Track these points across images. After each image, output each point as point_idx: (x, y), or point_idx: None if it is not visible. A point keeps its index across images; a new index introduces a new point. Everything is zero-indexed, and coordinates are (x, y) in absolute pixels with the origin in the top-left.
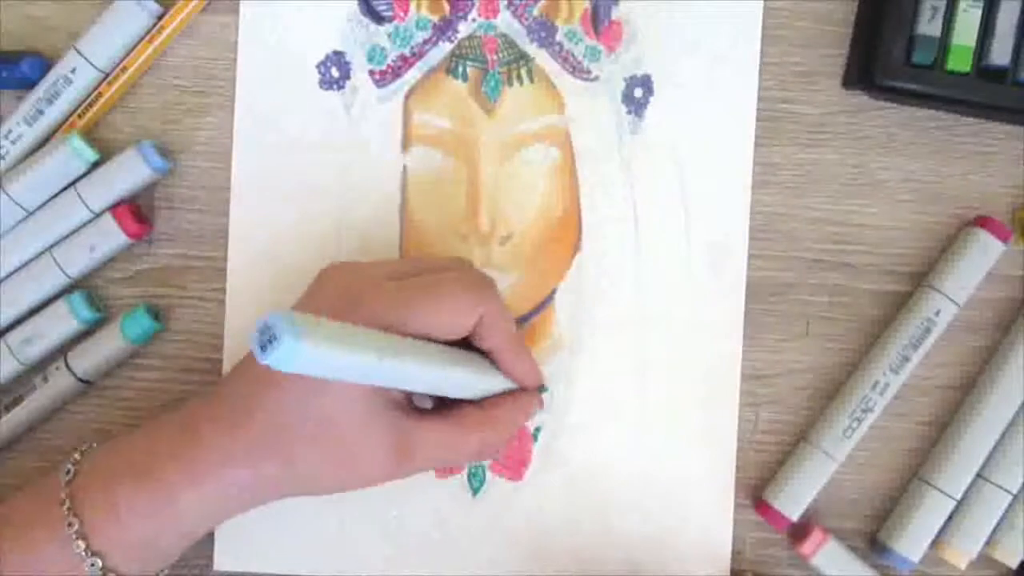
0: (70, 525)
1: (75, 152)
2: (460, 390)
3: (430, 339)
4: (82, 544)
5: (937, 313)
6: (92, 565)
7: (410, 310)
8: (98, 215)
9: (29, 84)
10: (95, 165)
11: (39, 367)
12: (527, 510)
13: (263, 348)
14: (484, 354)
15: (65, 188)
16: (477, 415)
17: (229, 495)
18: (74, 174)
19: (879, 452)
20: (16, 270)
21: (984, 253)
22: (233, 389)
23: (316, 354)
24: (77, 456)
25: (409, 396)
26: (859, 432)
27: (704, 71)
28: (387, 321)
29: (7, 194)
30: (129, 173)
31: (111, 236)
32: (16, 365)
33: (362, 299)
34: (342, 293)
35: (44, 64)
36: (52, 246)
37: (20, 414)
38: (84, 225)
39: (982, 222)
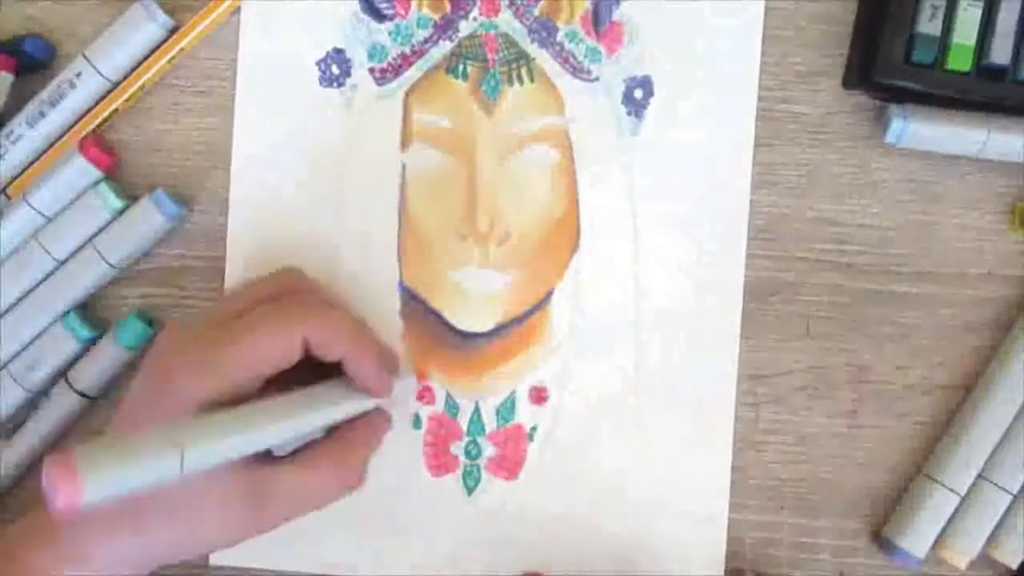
0: None
1: (101, 199)
2: (298, 432)
3: (265, 376)
4: None
5: None
6: None
7: (224, 355)
8: (113, 265)
9: (39, 67)
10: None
11: (45, 391)
12: (522, 509)
13: (52, 498)
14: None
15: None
16: (330, 452)
17: (103, 569)
18: (100, 222)
19: (879, 452)
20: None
21: None
22: None
23: (106, 485)
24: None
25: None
26: None
27: (704, 72)
28: (203, 376)
29: (39, 242)
30: (145, 224)
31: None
32: (22, 393)
33: (172, 375)
34: (153, 378)
35: (47, 44)
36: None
37: (28, 439)
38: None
39: None
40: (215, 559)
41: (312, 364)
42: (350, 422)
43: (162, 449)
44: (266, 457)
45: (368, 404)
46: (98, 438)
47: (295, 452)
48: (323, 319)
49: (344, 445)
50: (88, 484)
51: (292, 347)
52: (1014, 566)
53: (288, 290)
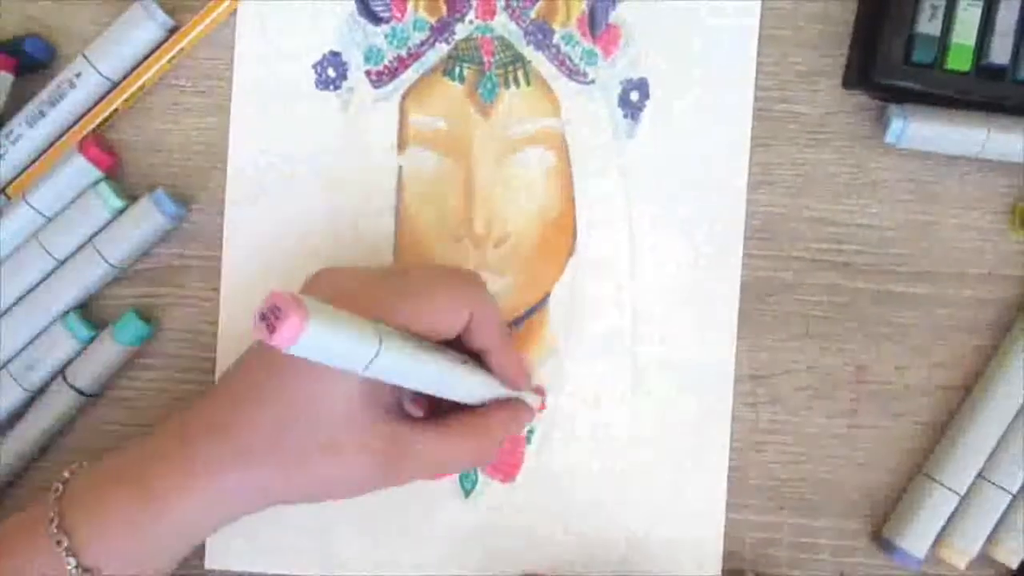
0: (59, 543)
1: (100, 199)
2: (454, 390)
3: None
4: (73, 560)
5: None
6: None
7: (401, 307)
8: (114, 265)
9: (38, 67)
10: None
11: (44, 390)
12: (519, 511)
13: (269, 326)
14: (475, 358)
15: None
16: (470, 423)
17: (221, 503)
18: (99, 222)
19: (879, 452)
20: (18, 300)
21: None
22: (223, 396)
23: (321, 335)
24: (66, 475)
25: (399, 404)
26: None
27: (700, 75)
28: (379, 316)
29: (39, 242)
30: (145, 224)
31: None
32: (22, 392)
33: (356, 296)
34: (335, 291)
35: (46, 44)
36: (50, 273)
37: (25, 435)
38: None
39: None
40: (213, 562)
41: None
42: (492, 403)
43: (367, 333)
44: (404, 415)
45: (511, 393)
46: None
47: (429, 417)
48: (490, 306)
49: (485, 420)
50: (312, 326)
51: (460, 318)
52: (1014, 566)
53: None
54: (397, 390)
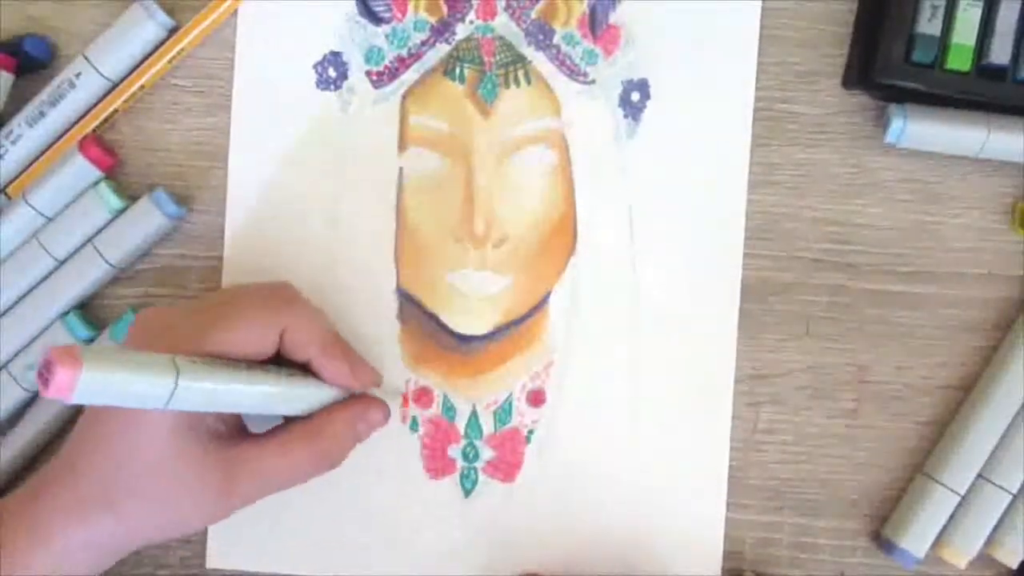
0: None
1: (101, 199)
2: (282, 406)
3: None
4: None
5: None
6: None
7: (209, 336)
8: (113, 265)
9: (38, 66)
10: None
11: None
12: (520, 511)
13: (43, 380)
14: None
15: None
16: (310, 429)
17: (75, 554)
18: (99, 222)
19: (879, 452)
20: (18, 300)
21: None
22: (68, 449)
23: (99, 381)
24: None
25: (233, 426)
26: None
27: (701, 75)
28: (182, 342)
29: (39, 242)
30: (145, 224)
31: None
32: (22, 393)
33: (172, 331)
34: (153, 330)
35: (46, 44)
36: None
37: (24, 435)
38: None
39: None
40: (213, 562)
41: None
42: (334, 405)
43: (161, 368)
44: (241, 434)
45: (347, 392)
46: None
47: (270, 432)
48: (303, 318)
49: (321, 426)
50: (87, 374)
51: (270, 338)
52: (1014, 566)
53: (284, 292)
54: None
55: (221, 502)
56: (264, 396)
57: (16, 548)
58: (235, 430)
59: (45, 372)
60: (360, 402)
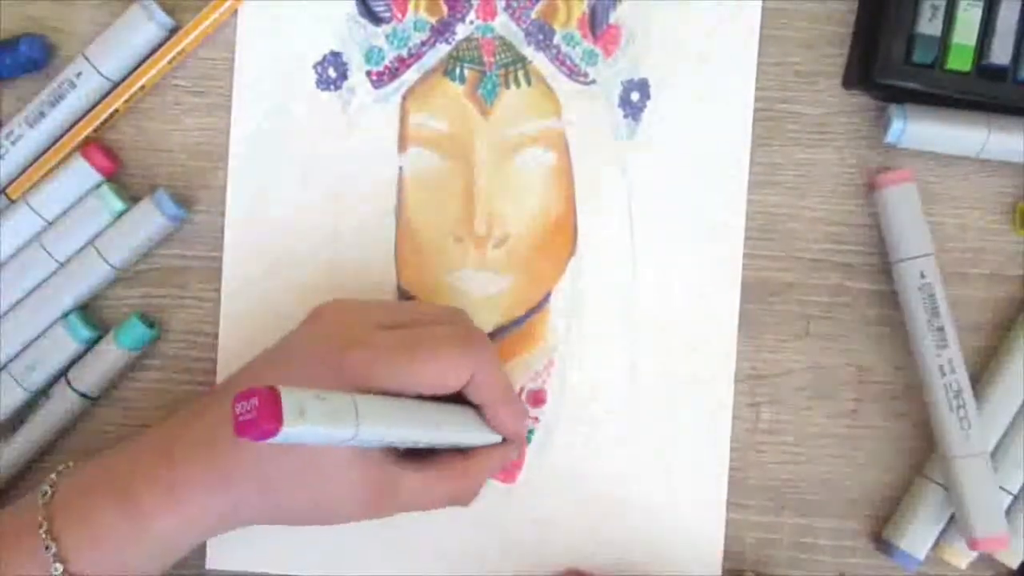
0: (47, 548)
1: (102, 202)
2: (439, 443)
3: (414, 394)
4: (60, 567)
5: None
6: None
7: (399, 366)
8: (115, 267)
9: (35, 67)
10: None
11: (44, 391)
12: (520, 512)
13: (241, 423)
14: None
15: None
16: (459, 466)
17: (207, 520)
18: (101, 224)
19: (879, 452)
20: (19, 301)
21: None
22: (213, 412)
23: (294, 435)
24: (54, 476)
25: None
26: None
27: (701, 75)
28: (375, 373)
29: (41, 244)
30: (146, 225)
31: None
32: (22, 393)
33: (354, 345)
34: (335, 333)
35: (44, 44)
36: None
37: (27, 439)
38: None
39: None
40: (214, 563)
41: None
42: (481, 448)
43: (347, 415)
44: (393, 453)
45: (498, 439)
46: (286, 387)
47: (416, 452)
48: (492, 365)
49: (471, 465)
50: (287, 423)
51: (460, 379)
52: (1014, 566)
53: (456, 322)
54: None
55: (367, 511)
56: (429, 437)
57: (156, 507)
58: (390, 450)
59: (245, 413)
60: (508, 448)
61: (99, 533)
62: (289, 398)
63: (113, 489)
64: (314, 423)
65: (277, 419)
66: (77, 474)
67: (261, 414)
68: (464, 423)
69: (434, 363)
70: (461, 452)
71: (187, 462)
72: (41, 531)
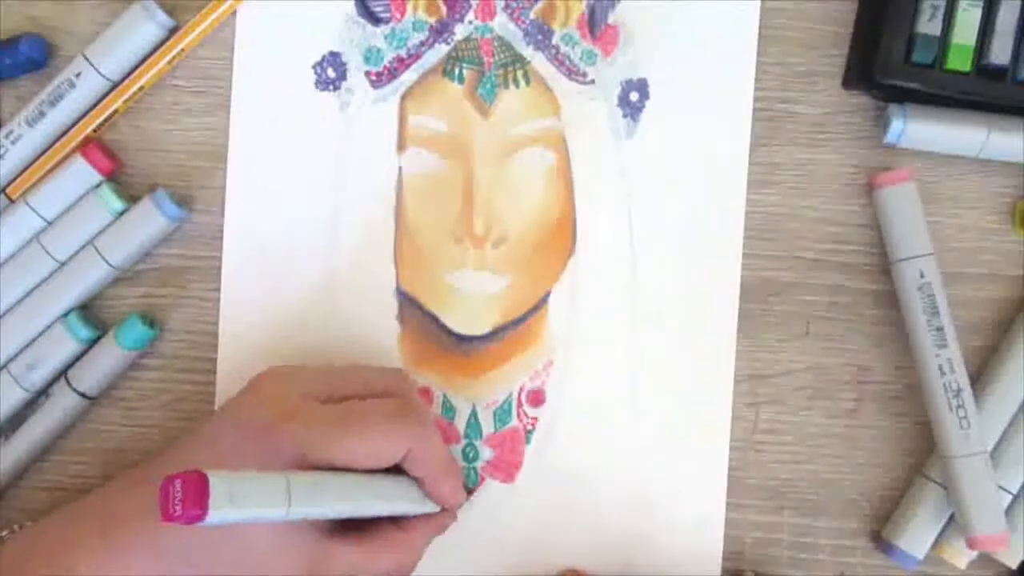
0: None
1: (102, 201)
2: (374, 513)
3: (350, 468)
4: None
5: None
6: None
7: (332, 442)
8: (114, 266)
9: (34, 67)
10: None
11: (44, 391)
12: (519, 512)
13: (168, 508)
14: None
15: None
16: (395, 538)
17: None
18: (101, 224)
19: (879, 452)
20: (19, 301)
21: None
22: (151, 483)
23: (221, 518)
24: (4, 534)
25: None
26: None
27: (700, 75)
28: (309, 448)
29: (40, 244)
30: (146, 225)
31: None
32: (22, 393)
33: (288, 419)
34: (272, 406)
35: (43, 44)
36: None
37: (27, 438)
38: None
39: None
40: None
41: None
42: (416, 517)
43: (278, 495)
44: (327, 526)
45: (435, 507)
46: (214, 471)
47: (352, 522)
48: (429, 439)
49: (411, 536)
50: (214, 507)
51: (395, 454)
52: (1014, 566)
53: (395, 391)
54: None
55: None
56: (364, 509)
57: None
58: (324, 524)
59: (173, 499)
60: (446, 516)
61: None
62: (218, 483)
63: (51, 556)
64: (242, 507)
65: (202, 506)
66: (20, 538)
67: (187, 500)
68: (402, 493)
69: (367, 439)
70: (398, 523)
71: (122, 532)
72: None
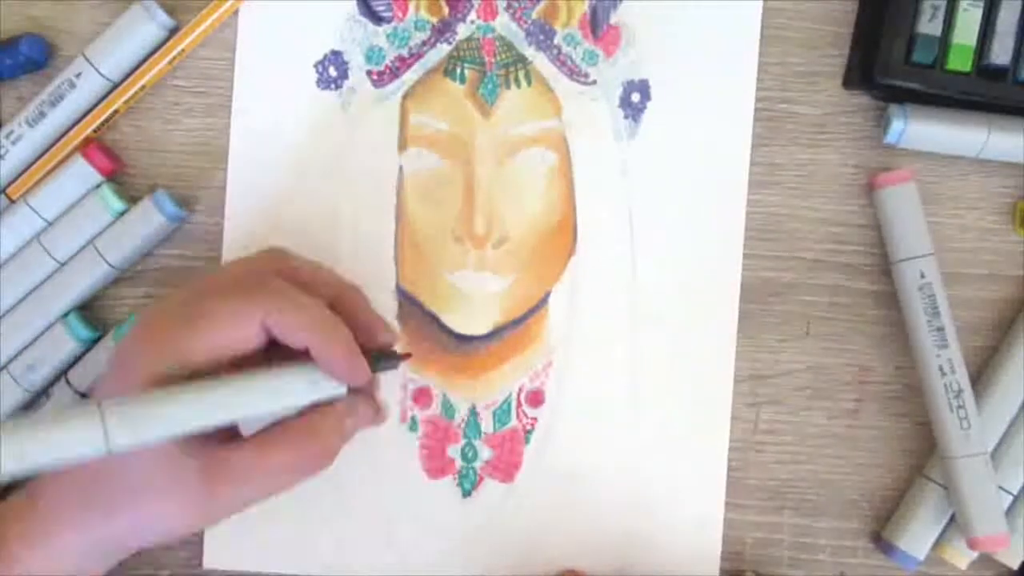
0: None
1: (103, 202)
2: (256, 416)
3: (224, 360)
4: None
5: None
6: None
7: (185, 342)
8: (114, 267)
9: (34, 67)
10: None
11: (44, 391)
12: (518, 511)
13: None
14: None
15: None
16: (292, 428)
17: (68, 558)
18: (101, 224)
19: (879, 452)
20: (19, 301)
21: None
22: None
23: (19, 465)
24: None
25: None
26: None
27: (702, 76)
28: (157, 363)
29: (41, 244)
30: (146, 225)
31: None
32: (22, 393)
33: (131, 349)
34: (141, 325)
35: (43, 44)
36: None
37: None
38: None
39: None
40: (211, 562)
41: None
42: (323, 405)
43: (86, 425)
44: (227, 436)
45: (340, 390)
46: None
47: (253, 434)
48: (285, 306)
49: (308, 426)
50: (5, 457)
51: (250, 333)
52: (1014, 566)
53: (267, 268)
54: None
55: (201, 509)
56: (232, 411)
57: (13, 551)
58: (223, 433)
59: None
60: (357, 399)
61: None
62: (9, 440)
63: None
64: (39, 458)
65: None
66: None
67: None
68: (296, 383)
69: (214, 325)
70: (290, 418)
71: (44, 499)
72: None
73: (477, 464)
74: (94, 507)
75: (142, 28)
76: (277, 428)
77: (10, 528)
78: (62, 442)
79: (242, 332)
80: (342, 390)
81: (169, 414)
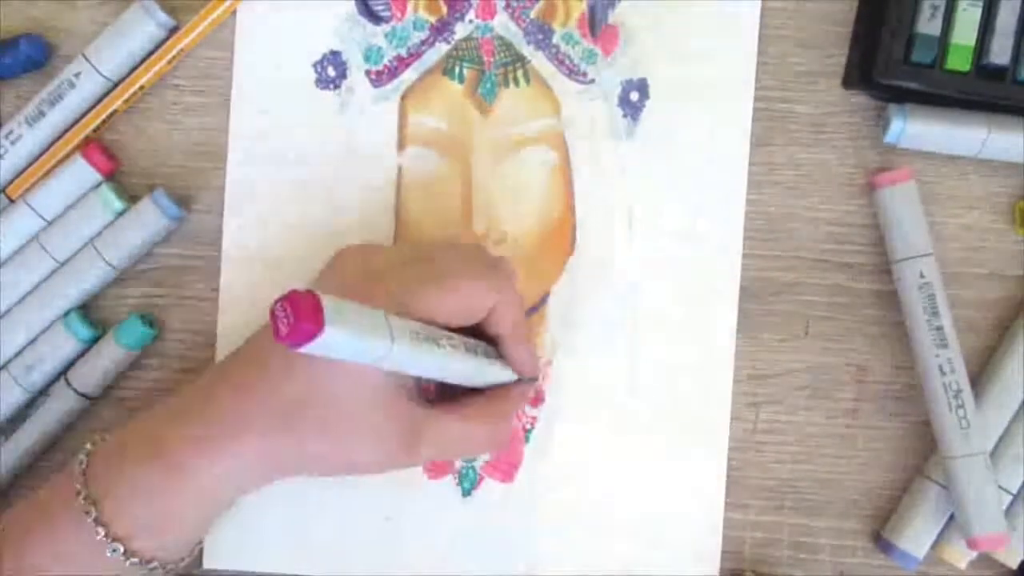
0: (87, 513)
1: (102, 201)
2: (466, 378)
3: (440, 324)
4: (102, 531)
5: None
6: (114, 551)
7: (425, 295)
8: (114, 266)
9: (34, 67)
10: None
11: (44, 391)
12: (518, 511)
13: (281, 324)
14: (489, 341)
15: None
16: (485, 407)
17: (242, 469)
18: (100, 224)
19: (879, 452)
20: (19, 301)
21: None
22: (251, 359)
23: (332, 340)
24: (89, 446)
25: (419, 384)
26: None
27: (701, 75)
28: (402, 302)
29: (40, 243)
30: (145, 225)
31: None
32: (22, 393)
33: (381, 278)
34: (360, 272)
35: (43, 43)
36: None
37: (27, 438)
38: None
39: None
40: (211, 562)
41: None
42: (501, 387)
43: (381, 329)
44: (419, 398)
45: (514, 377)
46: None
47: (440, 399)
48: (514, 297)
49: (499, 404)
50: (329, 323)
51: (483, 307)
52: (1014, 566)
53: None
54: None
55: (400, 455)
56: (455, 369)
57: (189, 455)
58: (419, 391)
59: (285, 316)
60: (526, 387)
61: (137, 492)
62: (329, 303)
63: (148, 448)
64: (351, 329)
65: (316, 321)
66: (111, 441)
67: (301, 315)
68: (484, 360)
69: (457, 292)
70: (482, 394)
71: (223, 404)
72: (80, 498)
73: (477, 463)
74: (285, 427)
75: (141, 28)
76: (474, 402)
77: (182, 437)
78: (365, 338)
79: (476, 308)
80: (515, 377)
81: (432, 354)
